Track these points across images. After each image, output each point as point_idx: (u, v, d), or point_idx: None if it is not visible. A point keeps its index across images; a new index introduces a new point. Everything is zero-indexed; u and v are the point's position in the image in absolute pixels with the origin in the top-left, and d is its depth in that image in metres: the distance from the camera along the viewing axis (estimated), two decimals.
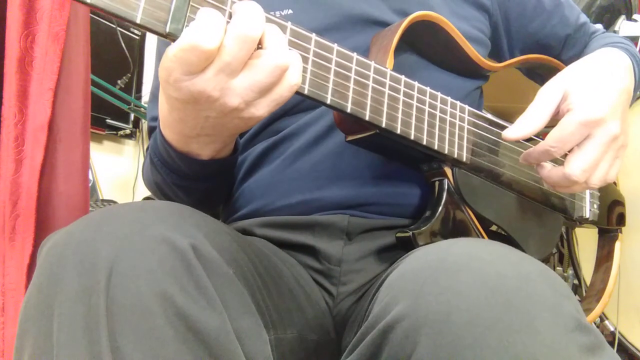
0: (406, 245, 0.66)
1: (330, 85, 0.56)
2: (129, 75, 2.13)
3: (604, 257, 0.94)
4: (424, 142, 0.65)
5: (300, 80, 0.51)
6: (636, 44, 1.49)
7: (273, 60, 0.48)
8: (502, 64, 0.81)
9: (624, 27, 1.48)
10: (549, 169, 0.69)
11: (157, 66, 0.83)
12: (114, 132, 2.20)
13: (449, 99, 0.69)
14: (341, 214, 0.71)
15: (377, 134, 0.63)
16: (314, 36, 0.55)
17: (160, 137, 0.61)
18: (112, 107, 1.97)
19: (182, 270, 0.44)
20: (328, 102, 0.56)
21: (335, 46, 0.57)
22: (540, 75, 0.90)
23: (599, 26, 0.94)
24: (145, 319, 0.42)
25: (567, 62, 0.86)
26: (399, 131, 0.62)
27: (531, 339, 0.40)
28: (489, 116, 0.75)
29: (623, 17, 1.50)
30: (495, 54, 0.86)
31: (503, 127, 0.74)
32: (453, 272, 0.45)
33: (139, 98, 2.20)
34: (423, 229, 0.67)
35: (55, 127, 0.89)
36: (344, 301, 0.70)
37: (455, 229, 0.70)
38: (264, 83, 0.49)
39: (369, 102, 0.60)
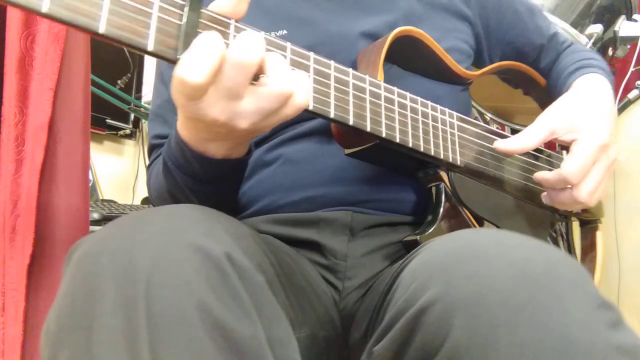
0: (412, 248, 0.68)
1: (332, 101, 0.58)
2: (129, 75, 2.13)
3: (588, 247, 0.98)
4: (422, 149, 0.68)
5: (307, 101, 0.53)
6: (636, 44, 1.49)
7: (277, 89, 0.50)
8: (478, 72, 0.86)
9: (624, 27, 1.48)
10: (557, 192, 0.75)
11: (157, 71, 0.84)
12: (114, 132, 2.20)
13: (438, 106, 0.72)
14: (345, 210, 0.73)
15: (377, 145, 0.66)
16: (312, 54, 0.57)
17: (176, 139, 0.62)
18: (112, 107, 1.97)
19: (218, 279, 0.44)
20: (332, 116, 0.58)
21: (332, 63, 0.59)
22: (511, 81, 0.97)
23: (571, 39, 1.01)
24: (185, 330, 0.42)
25: (542, 71, 0.95)
26: (398, 140, 0.65)
27: (562, 317, 0.42)
28: (475, 120, 0.79)
29: (623, 17, 1.50)
30: (477, 61, 0.91)
31: (489, 130, 0.80)
32: (482, 257, 0.46)
33: (139, 98, 2.20)
34: (429, 232, 0.70)
35: (55, 127, 0.89)
36: (349, 295, 0.71)
37: (456, 229, 0.72)
38: (270, 109, 0.50)
39: (368, 114, 0.62)
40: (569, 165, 0.71)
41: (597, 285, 0.93)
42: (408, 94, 0.68)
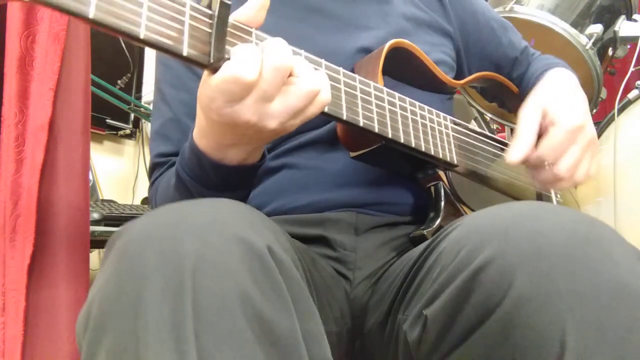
0: (419, 242, 0.74)
1: (344, 103, 0.63)
2: (129, 75, 2.13)
3: None
4: (423, 149, 0.73)
5: (330, 98, 0.58)
6: (636, 44, 1.49)
7: (306, 87, 0.54)
8: (462, 81, 0.93)
9: (624, 27, 1.48)
10: (539, 171, 0.80)
11: (157, 71, 0.85)
12: (114, 132, 2.20)
13: (433, 110, 0.78)
14: (349, 211, 0.77)
15: (382, 146, 0.70)
16: (323, 61, 0.62)
17: (192, 149, 0.64)
18: (112, 107, 1.97)
19: (260, 271, 0.46)
20: (344, 118, 0.62)
21: (341, 69, 0.64)
22: (490, 92, 1.07)
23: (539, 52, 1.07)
24: (228, 320, 0.43)
25: (515, 80, 1.03)
26: (402, 140, 0.70)
27: (615, 267, 0.47)
28: (463, 122, 0.85)
29: (623, 17, 1.50)
30: (457, 73, 0.98)
31: (477, 132, 0.87)
32: (533, 220, 0.51)
33: (139, 98, 2.20)
34: (433, 227, 0.76)
35: (55, 127, 0.89)
36: (360, 285, 0.74)
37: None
38: (298, 106, 0.54)
39: (375, 116, 0.67)
40: (544, 145, 0.77)
41: None
42: (407, 98, 0.73)
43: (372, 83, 0.68)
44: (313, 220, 0.76)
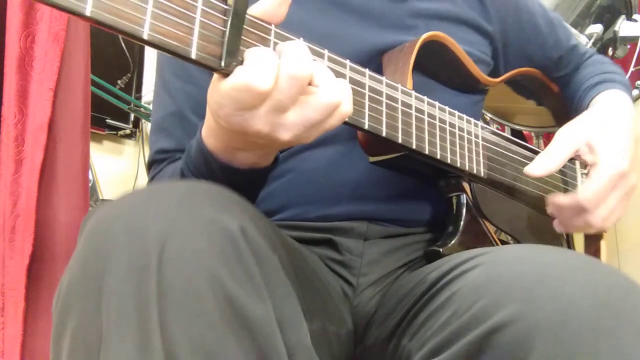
0: (433, 259, 0.69)
1: (367, 111, 0.57)
2: (129, 75, 2.13)
3: (592, 255, 0.96)
4: (448, 161, 0.68)
5: (351, 110, 0.52)
6: (636, 44, 1.49)
7: (326, 99, 0.49)
8: (498, 79, 0.86)
9: (624, 27, 1.48)
10: (571, 218, 0.74)
11: (157, 71, 0.81)
12: (114, 132, 2.20)
13: (464, 115, 0.72)
14: (360, 221, 0.73)
15: (405, 155, 0.65)
16: (348, 62, 0.56)
17: (199, 148, 0.61)
18: (112, 107, 1.96)
19: (232, 253, 0.44)
20: (366, 127, 0.57)
21: (367, 71, 0.58)
22: (528, 89, 0.96)
23: (592, 49, 0.99)
24: (195, 301, 0.42)
25: (557, 80, 0.93)
26: (427, 151, 0.65)
27: None
28: (498, 131, 0.78)
29: (623, 17, 1.50)
30: (493, 73, 0.91)
31: (511, 141, 0.79)
32: (564, 279, 0.46)
33: (139, 98, 2.20)
34: (450, 245, 0.70)
35: (55, 127, 0.89)
36: (364, 292, 0.71)
37: (475, 242, 0.73)
38: (315, 119, 0.49)
39: (400, 125, 0.61)
40: (586, 191, 0.70)
41: None
42: (437, 103, 0.67)
43: (399, 87, 0.62)
44: (321, 228, 0.73)
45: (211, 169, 0.61)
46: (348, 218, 0.73)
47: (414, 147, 0.63)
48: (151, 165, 0.79)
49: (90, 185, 1.18)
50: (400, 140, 0.61)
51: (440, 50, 0.75)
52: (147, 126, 2.30)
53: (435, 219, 0.76)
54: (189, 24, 0.44)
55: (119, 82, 2.07)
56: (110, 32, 0.42)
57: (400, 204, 0.74)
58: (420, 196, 0.76)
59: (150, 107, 2.14)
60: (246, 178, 0.62)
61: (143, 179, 2.26)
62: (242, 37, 0.47)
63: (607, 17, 1.51)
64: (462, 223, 0.72)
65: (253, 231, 0.47)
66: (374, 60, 0.75)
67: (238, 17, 0.46)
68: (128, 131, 2.23)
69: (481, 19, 0.84)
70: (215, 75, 0.49)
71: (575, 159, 0.75)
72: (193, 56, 0.44)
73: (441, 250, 0.69)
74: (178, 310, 0.41)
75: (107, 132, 2.17)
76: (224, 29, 0.46)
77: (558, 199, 0.74)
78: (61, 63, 0.89)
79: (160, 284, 0.41)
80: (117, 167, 2.32)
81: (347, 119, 0.54)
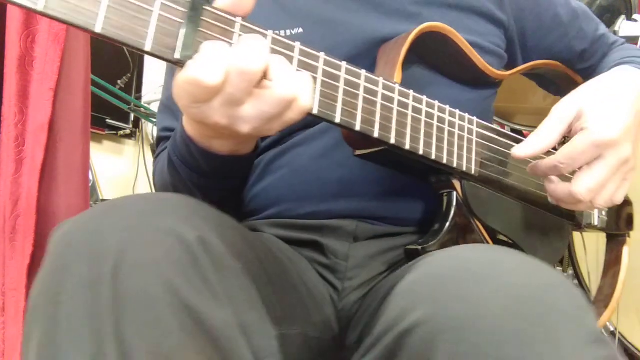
0: (414, 257, 0.67)
1: (339, 105, 0.56)
2: (129, 75, 2.13)
3: (612, 261, 0.92)
4: (433, 157, 0.65)
5: (311, 104, 0.52)
6: (636, 44, 1.49)
7: (280, 93, 0.48)
8: (509, 72, 0.80)
9: (624, 27, 1.48)
10: (555, 184, 0.70)
11: (166, 70, 0.83)
12: (114, 132, 2.20)
13: (457, 111, 0.69)
14: (350, 219, 0.72)
15: (386, 150, 0.63)
16: (322, 55, 0.55)
17: (181, 134, 0.61)
18: (112, 107, 1.96)
19: (189, 262, 0.45)
20: (337, 121, 0.56)
21: (344, 64, 0.57)
22: (555, 83, 0.90)
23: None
24: (150, 310, 0.42)
25: (580, 72, 0.87)
26: (407, 147, 0.63)
27: (552, 351, 0.41)
28: (497, 127, 0.75)
29: (623, 17, 1.50)
30: (510, 66, 0.85)
31: (511, 138, 0.75)
32: (475, 280, 0.45)
33: (139, 98, 2.20)
34: (431, 243, 0.67)
35: (55, 127, 0.89)
36: (349, 296, 0.71)
37: (463, 241, 0.71)
38: (271, 113, 0.49)
39: (377, 119, 0.60)
40: (562, 151, 0.66)
41: (615, 304, 0.88)
42: (424, 98, 0.65)
43: (381, 80, 0.60)
44: (310, 226, 0.72)
45: (193, 154, 0.61)
46: (337, 216, 0.72)
47: (392, 142, 0.61)
48: (158, 143, 0.81)
49: (90, 185, 1.18)
50: (376, 135, 0.59)
51: (442, 42, 0.71)
52: (147, 126, 2.30)
53: (427, 218, 0.73)
54: (145, 17, 0.45)
55: (119, 82, 2.07)
56: (68, 26, 0.43)
57: (391, 202, 0.73)
58: (412, 194, 0.74)
59: (150, 107, 2.15)
60: (227, 164, 0.62)
61: (143, 179, 2.26)
62: (204, 30, 0.47)
63: (607, 17, 1.51)
64: (448, 221, 0.69)
65: (213, 240, 0.48)
66: (374, 50, 0.72)
67: (195, 10, 0.46)
68: (128, 131, 2.23)
69: (494, 7, 0.79)
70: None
71: (568, 136, 0.68)
72: (147, 48, 0.45)
73: (420, 248, 0.67)
74: (134, 320, 0.42)
75: (107, 132, 2.17)
76: (181, 22, 0.46)
77: (536, 161, 0.69)
78: (61, 63, 0.89)
79: (115, 294, 0.42)
80: (117, 167, 2.32)
81: (316, 113, 0.54)
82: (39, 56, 0.87)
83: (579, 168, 0.67)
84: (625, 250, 0.92)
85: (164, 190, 0.75)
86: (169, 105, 0.80)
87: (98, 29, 0.43)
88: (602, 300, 0.90)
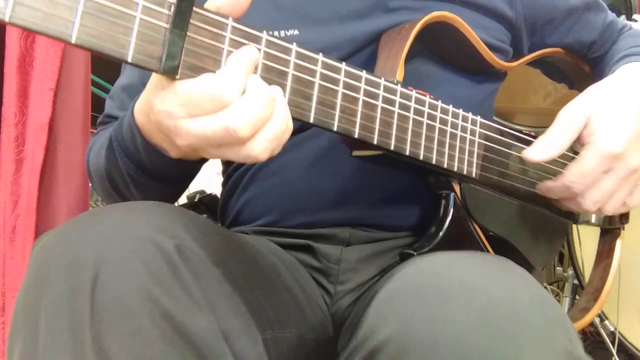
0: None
1: (337, 112, 0.53)
2: None
3: (605, 254, 0.92)
4: (434, 162, 0.64)
5: (269, 147, 0.47)
6: None
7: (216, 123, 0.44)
8: (516, 62, 0.79)
9: None
10: (564, 201, 0.70)
11: None
12: None
13: (460, 111, 0.66)
14: (343, 227, 0.71)
15: (385, 153, 0.61)
16: (320, 57, 0.52)
17: (129, 122, 0.57)
18: None
19: (167, 271, 0.45)
20: (335, 129, 0.53)
21: (343, 66, 0.54)
22: (560, 71, 0.88)
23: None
24: (130, 320, 0.42)
25: (589, 61, 0.86)
26: (407, 152, 0.61)
27: None
28: (499, 126, 0.73)
29: (623, 17, 1.50)
30: (515, 59, 0.84)
31: (513, 137, 0.74)
32: (444, 299, 0.45)
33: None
34: (426, 249, 0.66)
35: (55, 127, 0.89)
36: (342, 300, 0.70)
37: (459, 245, 0.70)
38: (211, 140, 0.45)
39: (377, 125, 0.57)
40: (573, 171, 0.66)
41: (604, 297, 0.86)
42: (427, 99, 0.62)
43: (382, 82, 0.57)
44: (303, 234, 0.71)
45: (136, 146, 0.58)
46: (331, 225, 0.71)
47: (391, 148, 0.59)
48: (98, 126, 0.78)
49: (90, 185, 1.18)
50: (375, 142, 0.57)
51: (448, 32, 0.68)
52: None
53: (423, 223, 0.72)
54: (126, 23, 0.40)
55: None
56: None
57: (386, 209, 0.71)
58: (408, 200, 0.72)
59: None
60: (170, 165, 0.58)
61: None
62: (191, 34, 0.43)
63: None
64: (446, 225, 0.68)
65: (193, 247, 0.48)
66: (375, 45, 0.70)
67: (181, 15, 0.42)
68: None
69: (501, 3, 0.77)
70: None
71: (577, 142, 0.68)
72: (129, 59, 0.40)
73: (415, 253, 0.65)
74: (113, 331, 0.42)
75: None
76: (166, 26, 0.42)
77: (547, 183, 0.70)
78: (61, 63, 0.89)
79: (94, 305, 0.42)
80: None
81: (313, 121, 0.51)
82: (39, 56, 0.87)
83: None
84: (619, 243, 0.92)
85: (97, 174, 0.70)
86: (121, 98, 0.75)
87: (73, 39, 0.38)
88: (592, 293, 0.89)
